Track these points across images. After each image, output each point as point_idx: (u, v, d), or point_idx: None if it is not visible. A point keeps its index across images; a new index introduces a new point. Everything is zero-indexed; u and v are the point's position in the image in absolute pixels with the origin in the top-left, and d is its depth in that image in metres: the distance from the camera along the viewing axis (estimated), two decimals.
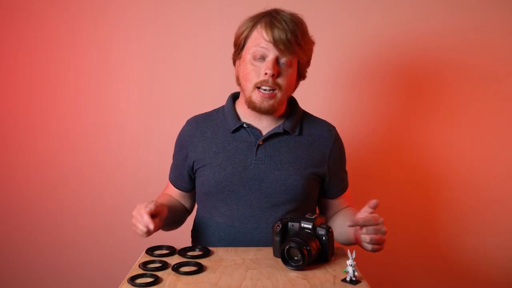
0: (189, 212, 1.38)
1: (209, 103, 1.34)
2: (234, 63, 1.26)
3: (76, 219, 1.83)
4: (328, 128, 1.29)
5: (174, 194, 1.34)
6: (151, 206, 1.05)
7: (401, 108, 1.78)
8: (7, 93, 1.81)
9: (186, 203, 1.35)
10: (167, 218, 1.15)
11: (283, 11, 1.17)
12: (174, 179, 1.33)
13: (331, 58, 1.74)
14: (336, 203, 1.32)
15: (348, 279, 0.93)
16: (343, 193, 1.32)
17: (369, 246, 1.05)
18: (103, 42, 1.78)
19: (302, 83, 1.28)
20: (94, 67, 1.79)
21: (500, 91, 1.75)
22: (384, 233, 1.04)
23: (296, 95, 1.30)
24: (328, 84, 1.77)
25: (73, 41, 1.78)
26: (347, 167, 1.35)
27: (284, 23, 1.13)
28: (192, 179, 1.29)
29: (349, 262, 0.93)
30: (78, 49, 1.78)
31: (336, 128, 1.31)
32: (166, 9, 1.76)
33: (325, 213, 1.33)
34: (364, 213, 1.04)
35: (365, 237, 1.03)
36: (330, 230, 1.02)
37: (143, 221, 1.03)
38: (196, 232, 1.31)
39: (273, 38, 1.12)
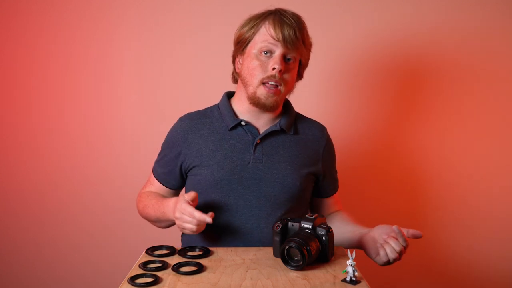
0: None
1: (210, 103, 1.33)
2: (234, 61, 1.26)
3: (76, 219, 1.82)
4: (320, 128, 1.32)
5: (159, 191, 1.30)
6: (192, 197, 1.06)
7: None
8: (7, 93, 1.80)
9: None
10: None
11: (286, 11, 1.20)
12: (163, 176, 1.29)
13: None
14: (329, 202, 1.35)
15: (348, 279, 0.93)
16: (335, 192, 1.35)
17: (385, 258, 1.07)
18: (103, 42, 1.78)
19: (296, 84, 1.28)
20: (94, 67, 1.78)
21: (495, 92, 1.74)
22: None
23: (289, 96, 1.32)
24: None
25: (73, 41, 1.78)
26: (337, 168, 1.38)
27: (292, 20, 1.16)
28: (182, 177, 1.27)
29: (349, 262, 0.93)
30: (78, 49, 1.78)
31: (327, 129, 1.35)
32: (166, 9, 1.75)
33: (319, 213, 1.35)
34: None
35: (391, 253, 1.06)
36: (330, 230, 1.03)
37: (200, 218, 1.02)
38: (189, 235, 1.23)
39: (283, 35, 1.14)
